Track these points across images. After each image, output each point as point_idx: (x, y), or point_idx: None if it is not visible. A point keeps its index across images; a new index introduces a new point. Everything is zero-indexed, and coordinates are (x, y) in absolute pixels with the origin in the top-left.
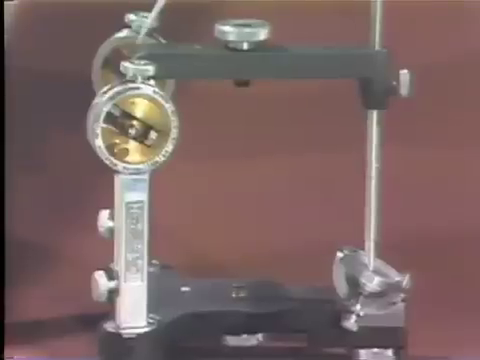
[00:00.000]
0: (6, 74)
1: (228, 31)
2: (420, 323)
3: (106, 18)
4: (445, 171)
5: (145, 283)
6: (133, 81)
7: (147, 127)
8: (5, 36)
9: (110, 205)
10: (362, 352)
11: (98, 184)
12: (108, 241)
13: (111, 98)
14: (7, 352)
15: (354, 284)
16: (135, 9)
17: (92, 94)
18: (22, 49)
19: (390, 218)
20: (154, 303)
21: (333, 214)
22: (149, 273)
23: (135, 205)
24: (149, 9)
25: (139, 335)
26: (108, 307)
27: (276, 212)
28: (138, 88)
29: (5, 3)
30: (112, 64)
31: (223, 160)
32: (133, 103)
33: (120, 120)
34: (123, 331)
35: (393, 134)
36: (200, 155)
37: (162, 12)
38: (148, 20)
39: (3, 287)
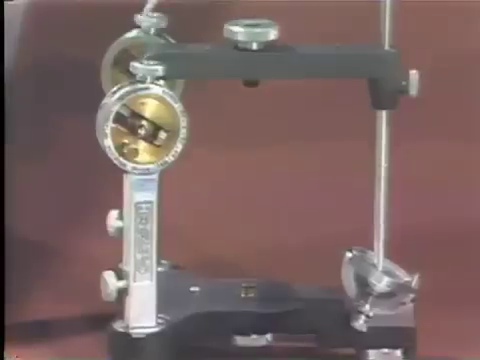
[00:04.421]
0: (9, 73)
1: (237, 31)
2: (428, 323)
3: (114, 18)
4: (450, 172)
5: (154, 283)
6: (142, 81)
7: (156, 127)
8: (10, 35)
9: (119, 205)
10: (371, 352)
11: (107, 184)
12: (117, 241)
13: (120, 98)
14: (17, 352)
15: (363, 284)
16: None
17: (100, 93)
18: (27, 47)
19: (396, 217)
20: (163, 303)
21: (344, 212)
22: (158, 273)
23: (144, 205)
24: (158, 9)
25: (148, 335)
26: (116, 307)
27: (285, 211)
28: (147, 88)
29: (5, 3)
30: (121, 64)
31: (231, 161)
32: (142, 103)
33: (129, 120)
34: (132, 331)
35: (399, 134)
36: (208, 156)
37: (171, 12)
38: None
39: (3, 287)
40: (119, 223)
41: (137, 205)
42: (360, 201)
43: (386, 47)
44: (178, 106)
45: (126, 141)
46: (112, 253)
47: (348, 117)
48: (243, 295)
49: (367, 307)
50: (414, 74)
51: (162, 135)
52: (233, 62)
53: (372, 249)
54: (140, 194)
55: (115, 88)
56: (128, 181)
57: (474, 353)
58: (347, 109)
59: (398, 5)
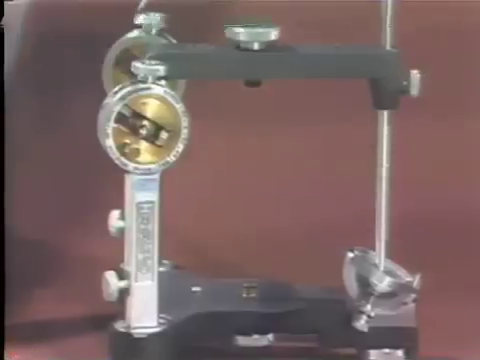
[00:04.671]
0: (9, 74)
1: (239, 31)
2: (428, 322)
3: (115, 18)
4: (450, 170)
5: (156, 283)
6: (144, 81)
7: (158, 127)
8: (10, 35)
9: (120, 205)
10: (373, 352)
11: (109, 184)
12: (118, 241)
13: (122, 98)
14: (17, 352)
15: (365, 284)
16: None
17: (101, 93)
18: (27, 47)
19: (397, 217)
20: (165, 303)
21: (346, 202)
22: (160, 273)
23: (146, 205)
24: (159, 9)
25: (150, 335)
26: (117, 307)
27: (286, 211)
28: (149, 88)
29: (5, 3)
30: (123, 64)
31: (231, 160)
32: (144, 103)
33: (131, 120)
34: (134, 331)
35: (399, 133)
36: (208, 155)
37: (171, 12)
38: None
39: (3, 287)
40: (121, 223)
41: (139, 205)
42: (362, 189)
43: (387, 47)
44: (180, 106)
45: (127, 141)
46: (113, 253)
47: (350, 106)
48: (245, 295)
49: (368, 307)
50: (415, 74)
51: (163, 135)
52: (234, 62)
53: (373, 249)
54: (141, 194)
55: (117, 88)
56: (129, 181)
57: (474, 353)
58: (348, 98)
59: (399, 5)
